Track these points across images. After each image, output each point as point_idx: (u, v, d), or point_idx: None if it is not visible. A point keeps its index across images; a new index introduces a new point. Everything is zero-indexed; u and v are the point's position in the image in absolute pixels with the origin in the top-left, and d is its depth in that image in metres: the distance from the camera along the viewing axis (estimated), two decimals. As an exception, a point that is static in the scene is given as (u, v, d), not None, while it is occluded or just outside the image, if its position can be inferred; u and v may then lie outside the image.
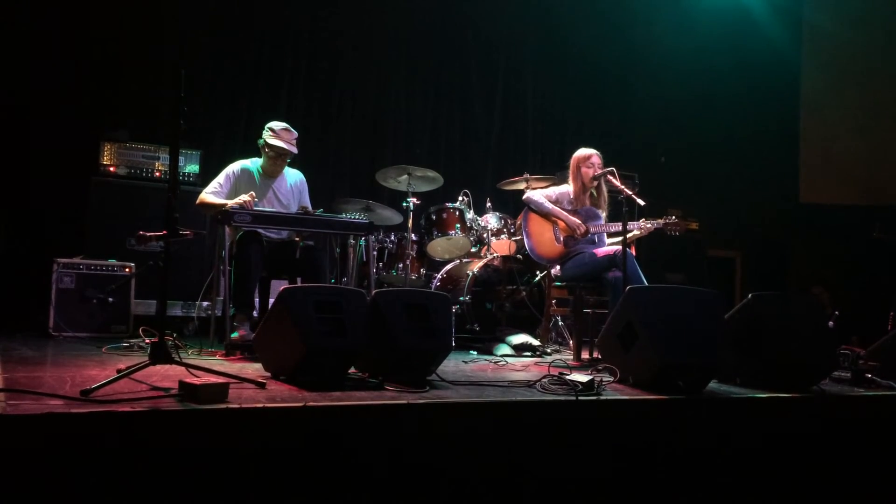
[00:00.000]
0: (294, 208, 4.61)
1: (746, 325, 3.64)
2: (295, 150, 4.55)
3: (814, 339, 3.64)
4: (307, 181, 4.83)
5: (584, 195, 4.81)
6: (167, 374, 2.94)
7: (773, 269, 8.08)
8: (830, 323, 4.63)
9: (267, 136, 4.49)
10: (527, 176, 5.63)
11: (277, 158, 4.54)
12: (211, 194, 4.42)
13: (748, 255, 7.99)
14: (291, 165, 4.74)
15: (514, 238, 5.68)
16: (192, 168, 5.53)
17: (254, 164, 4.61)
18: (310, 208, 4.68)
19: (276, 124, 4.53)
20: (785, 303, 3.75)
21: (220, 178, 4.50)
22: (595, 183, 4.80)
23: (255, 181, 4.55)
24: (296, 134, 4.58)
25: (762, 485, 3.16)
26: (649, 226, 4.61)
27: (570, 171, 4.86)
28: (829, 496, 3.28)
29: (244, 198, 4.26)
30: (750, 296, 3.69)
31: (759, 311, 3.64)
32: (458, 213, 5.64)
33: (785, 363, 3.49)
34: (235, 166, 4.56)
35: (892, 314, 5.54)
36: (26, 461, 2.07)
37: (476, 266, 5.44)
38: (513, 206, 5.97)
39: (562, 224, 4.78)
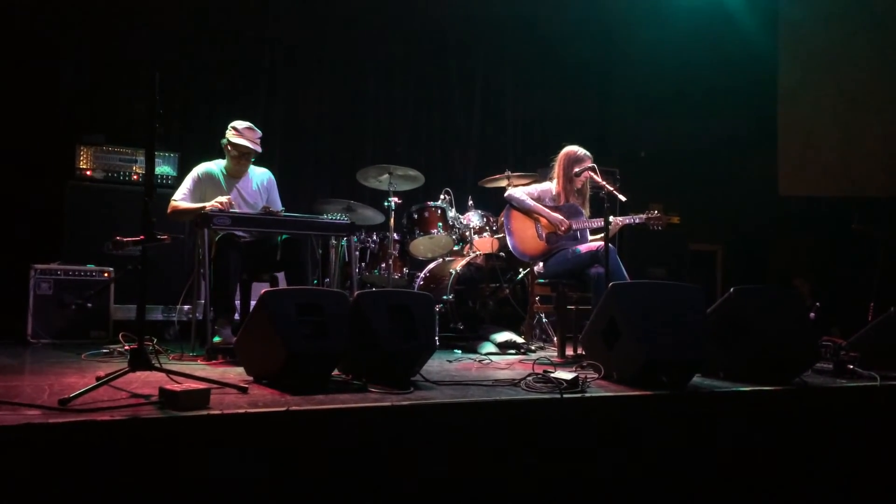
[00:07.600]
0: (261, 207, 4.49)
1: (729, 319, 3.65)
2: (259, 148, 4.49)
3: (795, 331, 3.66)
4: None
5: (569, 193, 4.80)
6: (147, 381, 2.91)
7: (753, 262, 8.13)
8: (811, 315, 4.66)
9: (230, 136, 4.43)
10: (508, 173, 5.63)
11: (241, 158, 4.47)
12: (181, 201, 4.37)
13: (729, 249, 8.04)
14: (262, 164, 4.68)
15: (496, 236, 5.67)
16: (170, 171, 5.46)
17: (217, 165, 4.54)
18: (277, 208, 4.57)
19: (240, 123, 4.46)
20: (766, 296, 3.76)
21: (187, 182, 4.44)
22: (581, 181, 4.78)
23: (221, 183, 4.48)
24: (259, 133, 4.51)
25: (746, 478, 3.18)
26: (629, 220, 4.60)
27: (558, 168, 4.81)
28: (812, 487, 3.30)
29: (222, 199, 4.22)
30: (732, 290, 3.70)
31: (740, 304, 3.66)
32: (439, 211, 5.61)
33: (767, 356, 3.52)
34: (199, 169, 4.50)
35: (871, 305, 5.59)
36: (3, 473, 2.03)
37: (459, 264, 5.42)
38: (495, 204, 5.95)
39: (544, 221, 4.77)
